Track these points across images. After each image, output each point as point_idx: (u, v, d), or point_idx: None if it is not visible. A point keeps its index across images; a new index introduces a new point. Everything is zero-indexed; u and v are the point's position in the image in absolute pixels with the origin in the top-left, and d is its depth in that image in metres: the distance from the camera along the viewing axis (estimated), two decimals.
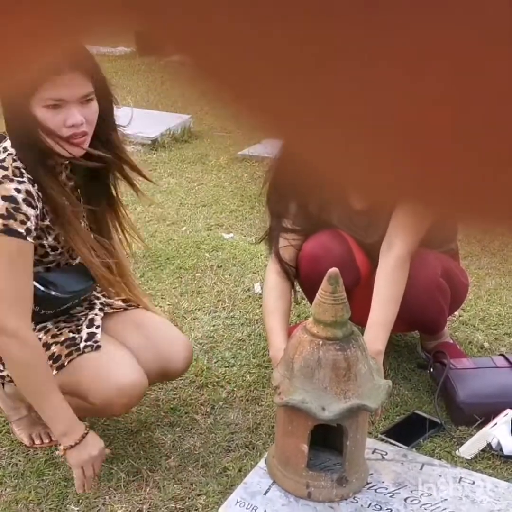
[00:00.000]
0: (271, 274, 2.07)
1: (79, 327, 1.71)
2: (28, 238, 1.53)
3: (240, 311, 2.54)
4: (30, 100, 1.50)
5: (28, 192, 1.54)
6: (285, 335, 1.89)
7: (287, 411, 1.55)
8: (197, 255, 2.98)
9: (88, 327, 1.72)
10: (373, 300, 1.85)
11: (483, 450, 1.85)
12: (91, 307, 1.80)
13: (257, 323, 2.45)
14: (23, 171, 1.56)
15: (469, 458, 1.83)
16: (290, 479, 1.60)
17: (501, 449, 1.84)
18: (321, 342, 1.52)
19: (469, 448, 1.86)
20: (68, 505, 1.67)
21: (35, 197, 1.55)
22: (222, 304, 2.59)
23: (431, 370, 2.14)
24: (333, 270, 1.52)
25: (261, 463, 1.69)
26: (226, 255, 2.96)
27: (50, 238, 1.64)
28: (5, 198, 1.51)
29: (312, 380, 1.51)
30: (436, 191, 0.23)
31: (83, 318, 1.75)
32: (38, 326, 1.70)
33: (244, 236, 3.17)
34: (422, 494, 1.62)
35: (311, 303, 1.81)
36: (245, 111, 0.22)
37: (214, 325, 2.43)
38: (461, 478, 1.68)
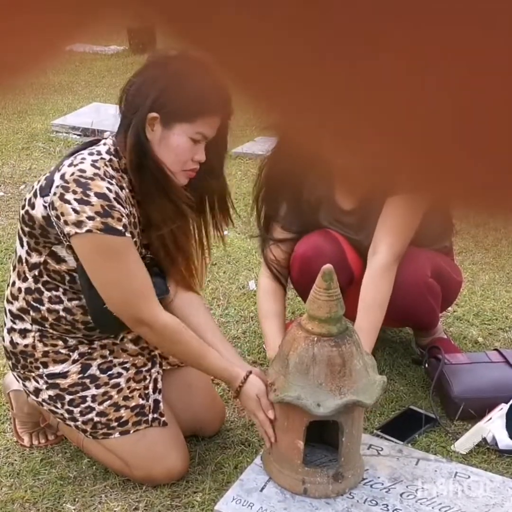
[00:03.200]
0: (264, 278, 2.08)
1: (146, 392, 1.73)
2: (126, 234, 1.53)
3: (235, 309, 2.54)
4: (178, 125, 1.56)
5: (117, 194, 1.54)
6: (282, 337, 1.90)
7: (282, 407, 1.56)
8: None
9: (153, 391, 1.74)
10: (359, 305, 1.87)
11: (478, 445, 1.86)
12: (152, 359, 1.78)
13: (252, 320, 2.45)
14: (114, 176, 1.57)
15: (464, 453, 1.83)
16: (286, 475, 1.60)
17: (496, 444, 1.84)
18: (315, 339, 1.52)
19: (464, 443, 1.86)
20: (64, 504, 1.67)
21: (123, 201, 1.55)
22: (216, 302, 2.59)
23: (426, 365, 2.14)
24: (327, 266, 1.52)
25: (257, 460, 1.69)
26: (220, 252, 2.95)
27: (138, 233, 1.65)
28: (99, 195, 1.49)
29: (307, 376, 1.51)
30: (433, 178, 0.23)
31: (148, 378, 1.75)
32: (112, 381, 1.70)
33: (238, 233, 3.17)
34: (418, 489, 1.62)
35: (305, 303, 1.82)
36: (255, 98, 0.22)
37: None
38: (456, 473, 1.68)
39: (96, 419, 1.69)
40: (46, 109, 5.15)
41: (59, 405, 1.70)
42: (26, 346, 1.70)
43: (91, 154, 1.57)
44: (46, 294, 1.64)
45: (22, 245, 1.64)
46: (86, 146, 1.63)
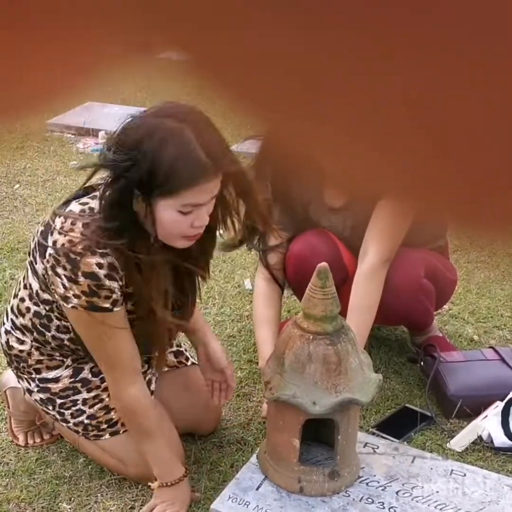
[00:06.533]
0: (260, 281, 2.09)
1: None
2: (115, 309, 1.48)
3: (230, 308, 2.54)
4: (157, 201, 1.40)
5: (111, 266, 1.45)
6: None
7: (278, 406, 1.56)
8: None
9: None
10: (348, 308, 1.88)
11: (473, 443, 1.86)
12: (148, 362, 1.76)
13: (247, 319, 2.45)
14: (109, 241, 1.45)
15: (460, 451, 1.84)
16: (282, 474, 1.60)
17: (491, 441, 1.85)
18: (311, 337, 1.52)
19: (460, 440, 1.86)
20: (59, 504, 1.66)
21: (119, 268, 1.46)
22: (212, 301, 2.59)
23: (422, 363, 2.14)
24: (323, 264, 1.52)
25: (253, 459, 1.69)
26: (215, 252, 2.96)
27: (129, 304, 1.57)
28: (86, 275, 1.43)
29: (302, 374, 1.51)
30: (422, 188, 0.23)
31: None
32: (103, 385, 1.69)
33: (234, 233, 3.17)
34: (414, 487, 1.63)
35: (300, 301, 1.82)
36: (243, 103, 0.22)
37: None
38: (452, 470, 1.69)
39: (86, 421, 1.70)
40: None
41: (50, 407, 1.71)
42: (21, 351, 1.69)
43: (82, 215, 1.47)
44: (55, 322, 1.62)
45: (34, 277, 1.60)
46: (79, 195, 1.55)
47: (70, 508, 1.65)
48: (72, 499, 1.68)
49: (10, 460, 1.81)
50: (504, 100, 0.19)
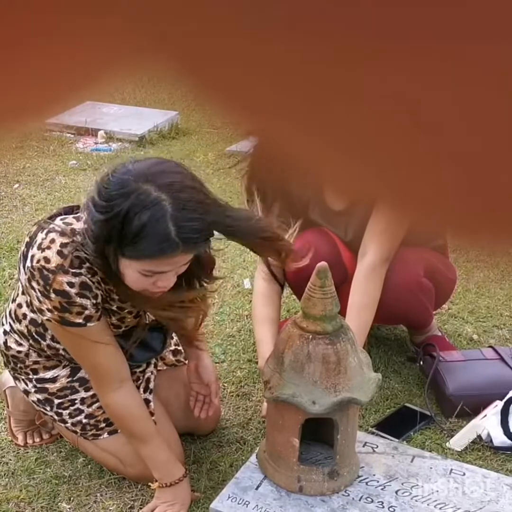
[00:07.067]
0: (259, 280, 2.09)
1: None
2: (88, 324, 1.49)
3: (230, 307, 2.54)
4: (124, 260, 1.39)
5: (83, 285, 1.46)
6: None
7: (277, 405, 1.55)
8: None
9: (144, 391, 1.74)
10: (348, 307, 1.88)
11: (473, 442, 1.86)
12: (148, 361, 1.78)
13: (246, 318, 2.45)
14: (85, 261, 1.46)
15: (459, 450, 1.84)
16: (281, 473, 1.60)
17: (491, 441, 1.85)
18: (310, 336, 1.52)
19: (459, 440, 1.86)
20: (59, 503, 1.66)
21: (93, 287, 1.48)
22: (211, 300, 2.58)
23: (421, 363, 2.14)
24: (322, 264, 1.52)
25: (253, 458, 1.69)
26: (215, 251, 2.95)
27: (114, 319, 1.59)
28: (57, 292, 1.45)
29: (302, 374, 1.51)
30: (414, 198, 0.23)
31: (141, 378, 1.75)
32: None
33: None
34: (413, 486, 1.63)
35: (300, 301, 1.82)
36: (233, 108, 0.22)
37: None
38: (451, 469, 1.69)
39: (85, 421, 1.70)
40: None
41: (48, 408, 1.71)
42: (19, 352, 1.69)
43: (62, 234, 1.47)
44: (50, 331, 1.62)
45: None
46: (66, 212, 1.56)
47: (69, 508, 1.65)
48: (72, 498, 1.68)
49: (10, 460, 1.81)
50: (503, 107, 0.19)
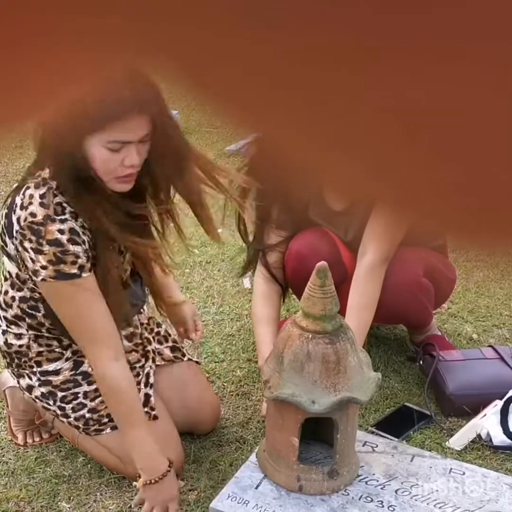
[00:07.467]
0: (259, 279, 2.09)
1: (138, 387, 1.71)
2: (83, 274, 1.52)
3: (230, 306, 2.54)
4: (87, 138, 1.45)
5: (71, 230, 1.51)
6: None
7: (277, 405, 1.56)
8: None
9: (145, 385, 1.75)
10: (347, 307, 1.89)
11: (473, 441, 1.86)
12: (146, 355, 1.80)
13: (246, 318, 2.45)
14: (66, 205, 1.52)
15: (459, 449, 1.84)
16: (281, 472, 1.60)
17: (490, 440, 1.85)
18: (310, 336, 1.52)
19: (459, 439, 1.87)
20: (59, 503, 1.66)
21: (80, 232, 1.52)
22: (211, 300, 2.59)
23: (421, 362, 2.14)
24: (322, 263, 1.52)
25: (252, 458, 1.69)
26: (214, 250, 2.96)
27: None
28: (51, 242, 1.48)
29: (301, 373, 1.51)
30: (414, 199, 0.23)
31: (141, 373, 1.76)
32: None
33: (233, 231, 3.17)
34: (413, 485, 1.63)
35: (299, 300, 1.82)
36: (232, 108, 0.22)
37: (203, 321, 2.42)
38: (451, 469, 1.69)
39: (88, 415, 1.70)
40: None
41: (51, 402, 1.71)
42: (20, 346, 1.70)
43: (37, 186, 1.52)
44: (42, 301, 1.63)
45: (11, 261, 1.63)
46: (29, 176, 1.58)
47: (69, 507, 1.65)
48: (71, 498, 1.68)
49: (9, 459, 1.81)
50: (503, 107, 0.19)
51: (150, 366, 1.79)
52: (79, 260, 1.51)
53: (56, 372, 1.71)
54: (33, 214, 1.49)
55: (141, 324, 1.84)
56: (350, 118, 0.21)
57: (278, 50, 0.20)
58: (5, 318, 1.70)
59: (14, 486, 1.71)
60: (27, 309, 1.65)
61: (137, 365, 1.76)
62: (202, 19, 0.20)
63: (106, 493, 1.69)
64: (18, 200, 1.52)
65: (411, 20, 0.19)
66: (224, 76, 0.21)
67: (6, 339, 1.71)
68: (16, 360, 1.72)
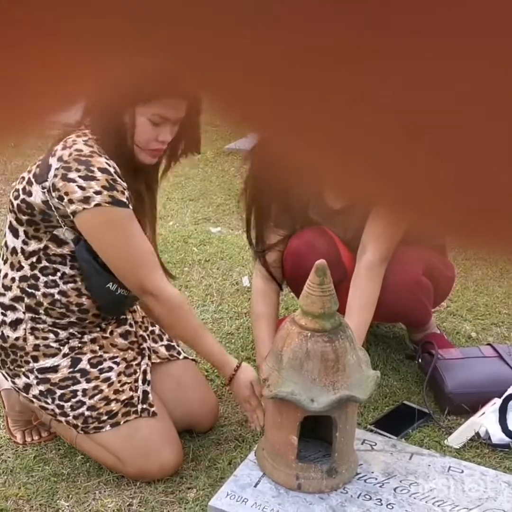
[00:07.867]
0: (258, 278, 2.09)
1: (136, 384, 1.74)
2: (130, 206, 1.60)
3: (229, 305, 2.54)
4: (136, 108, 1.60)
5: (115, 168, 1.60)
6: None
7: (276, 403, 1.56)
8: (185, 249, 2.98)
9: (142, 382, 1.76)
10: (347, 307, 1.89)
11: (471, 439, 1.86)
12: (141, 353, 1.82)
13: (245, 316, 2.45)
14: (103, 154, 1.61)
15: (458, 447, 1.84)
16: (280, 471, 1.61)
17: (489, 438, 1.85)
18: (309, 334, 1.52)
19: (458, 437, 1.87)
20: (58, 501, 1.67)
21: (120, 174, 1.61)
22: (210, 298, 2.59)
23: (420, 360, 2.15)
24: (321, 261, 1.52)
25: (251, 456, 1.70)
26: (213, 249, 2.96)
27: None
28: (102, 170, 1.55)
29: (300, 372, 1.51)
30: (413, 199, 0.23)
31: (138, 370, 1.77)
32: (102, 376, 1.72)
33: (232, 230, 3.17)
34: (412, 483, 1.63)
35: (298, 299, 1.82)
36: (232, 109, 0.22)
37: (202, 319, 2.43)
38: (450, 467, 1.69)
39: (87, 413, 1.70)
40: None
41: (49, 401, 1.71)
42: (16, 339, 1.70)
43: (79, 136, 1.62)
44: (42, 279, 1.67)
45: (16, 236, 1.67)
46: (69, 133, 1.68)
47: (68, 505, 1.65)
48: (70, 496, 1.68)
49: (8, 457, 1.81)
50: (503, 107, 0.19)
51: (147, 364, 1.79)
52: (126, 192, 1.59)
53: (54, 369, 1.70)
54: (79, 150, 1.57)
55: (136, 322, 1.85)
56: (350, 118, 0.21)
57: (278, 50, 0.20)
58: (2, 304, 1.71)
59: (13, 484, 1.72)
60: (26, 288, 1.67)
61: (134, 363, 1.77)
62: (202, 19, 0.20)
63: (105, 491, 1.69)
64: (59, 145, 1.60)
65: (411, 20, 0.19)
66: (224, 76, 0.21)
67: (2, 332, 1.71)
68: (11, 355, 1.72)
